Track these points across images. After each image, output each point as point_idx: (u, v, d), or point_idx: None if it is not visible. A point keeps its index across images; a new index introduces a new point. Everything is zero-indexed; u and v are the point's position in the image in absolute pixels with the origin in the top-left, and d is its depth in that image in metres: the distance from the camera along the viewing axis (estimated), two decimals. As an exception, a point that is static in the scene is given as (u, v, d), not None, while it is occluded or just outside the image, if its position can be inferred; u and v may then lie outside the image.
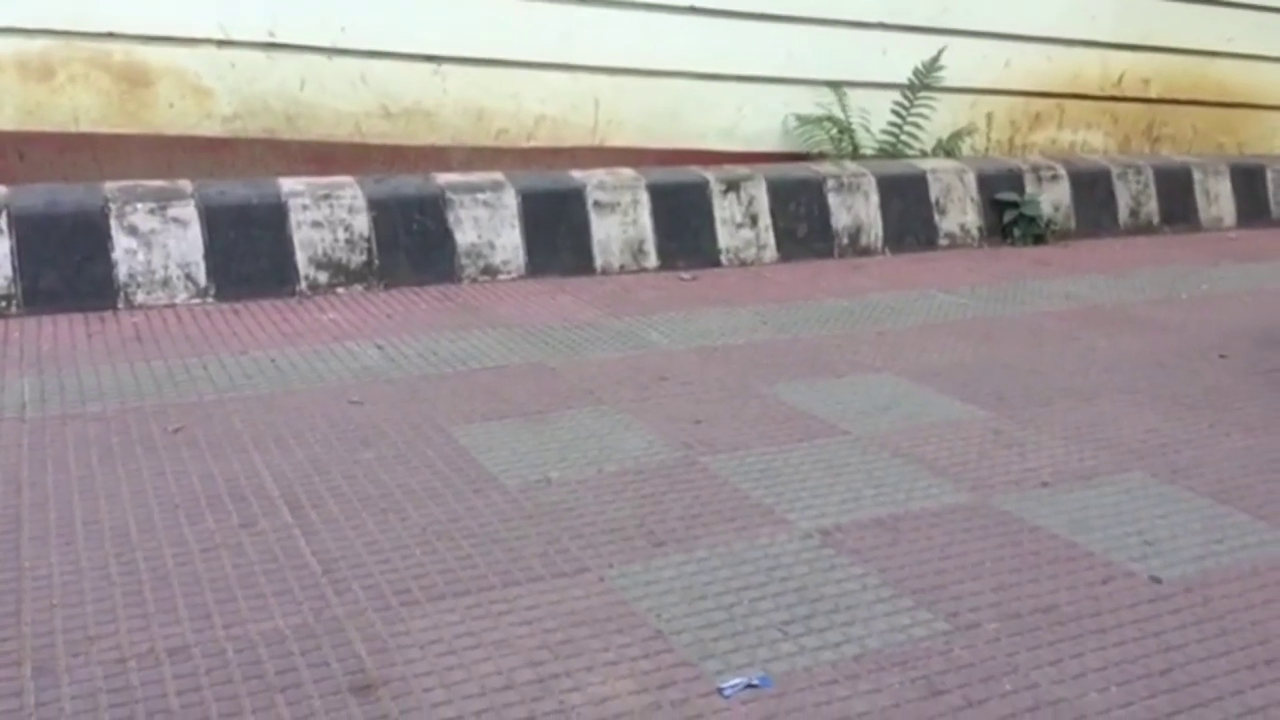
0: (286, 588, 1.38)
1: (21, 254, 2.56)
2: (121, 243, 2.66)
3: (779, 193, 3.38)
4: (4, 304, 2.55)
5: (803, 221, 3.41)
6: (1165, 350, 2.54)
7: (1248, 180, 4.25)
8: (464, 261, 2.99)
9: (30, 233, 2.58)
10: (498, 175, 3.15)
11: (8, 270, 2.54)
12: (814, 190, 3.43)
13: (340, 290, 2.84)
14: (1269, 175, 4.32)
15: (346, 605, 1.35)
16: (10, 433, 1.87)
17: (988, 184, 3.67)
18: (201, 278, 2.72)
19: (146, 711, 1.13)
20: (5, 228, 2.56)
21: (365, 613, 1.33)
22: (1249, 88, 4.78)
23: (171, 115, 3.35)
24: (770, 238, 3.36)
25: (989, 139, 4.22)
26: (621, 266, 3.16)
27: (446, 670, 1.22)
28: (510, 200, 3.06)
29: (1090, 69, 4.28)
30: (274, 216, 2.81)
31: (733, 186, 3.33)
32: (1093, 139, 4.43)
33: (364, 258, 2.88)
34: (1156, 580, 1.46)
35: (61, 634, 1.27)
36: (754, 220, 3.34)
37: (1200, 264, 3.54)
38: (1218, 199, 4.19)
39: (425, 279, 2.93)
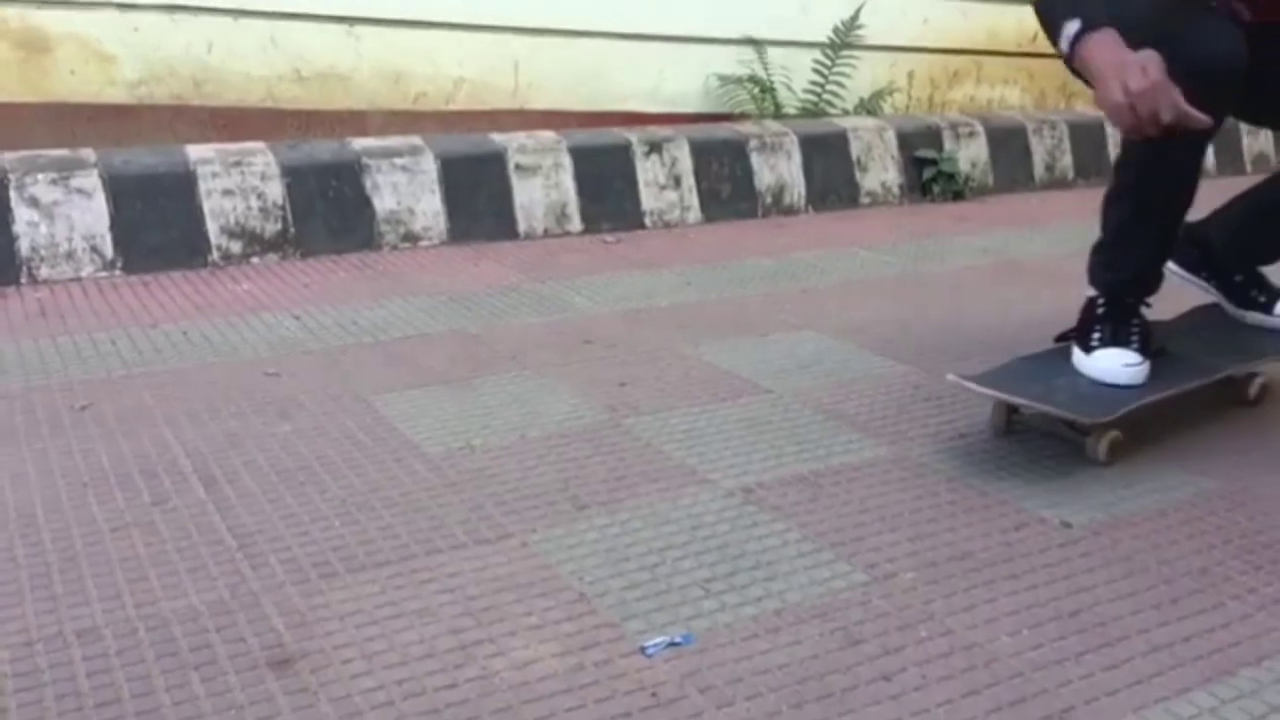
0: (201, 564, 1.35)
1: (-86, 229, 2.45)
2: (22, 215, 2.56)
3: (702, 154, 3.37)
4: (-103, 282, 2.44)
5: (726, 182, 3.40)
6: (1079, 301, 2.59)
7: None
8: (383, 229, 2.94)
9: (-78, 206, 2.47)
10: (416, 139, 3.09)
11: (-101, 246, 2.43)
12: (737, 150, 3.43)
13: (254, 260, 2.77)
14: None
15: (263, 580, 1.32)
16: (-94, 415, 1.80)
17: (908, 142, 3.70)
18: (108, 250, 2.64)
19: (55, 694, 1.11)
20: (-105, 202, 2.45)
21: (283, 587, 1.31)
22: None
23: (73, 83, 3.22)
24: (694, 199, 3.35)
25: (910, 97, 4.25)
26: (545, 230, 3.13)
27: (367, 641, 1.21)
28: (429, 165, 3.01)
29: (1006, 26, 4.32)
30: (183, 185, 2.73)
31: (655, 148, 3.31)
32: (1010, 95, 4.49)
33: (279, 226, 2.82)
34: (1067, 525, 1.50)
35: (-37, 620, 1.23)
36: (677, 182, 3.33)
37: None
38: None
39: (343, 247, 2.87)
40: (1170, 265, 1.94)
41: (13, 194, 2.56)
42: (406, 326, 2.31)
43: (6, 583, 1.30)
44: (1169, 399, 1.72)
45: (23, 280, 2.54)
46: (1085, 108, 4.56)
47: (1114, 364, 1.72)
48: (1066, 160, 4.06)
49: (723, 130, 3.50)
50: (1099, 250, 1.86)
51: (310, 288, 2.58)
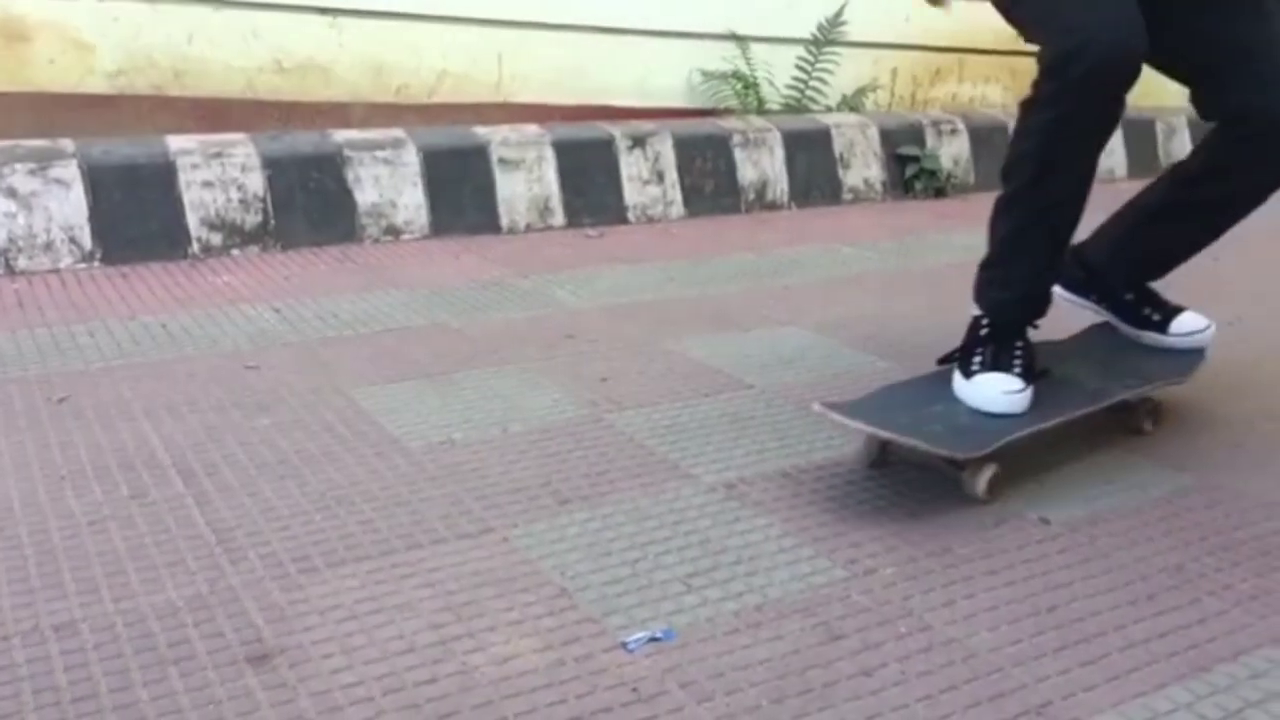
0: (179, 559, 1.34)
1: (-112, 218, 2.42)
2: (0, 206, 2.53)
3: (685, 149, 3.37)
4: None
5: (709, 177, 3.40)
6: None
7: (1138, 133, 4.38)
8: (365, 221, 2.92)
9: (-103, 196, 2.44)
10: (398, 132, 3.07)
11: (-127, 236, 2.40)
12: (720, 146, 3.43)
13: (235, 252, 2.75)
14: (1159, 128, 4.46)
15: (243, 574, 1.32)
16: (-120, 407, 1.78)
17: (890, 138, 3.71)
18: (86, 241, 2.61)
19: (33, 689, 1.10)
20: None
21: (262, 581, 1.30)
22: (1140, 43, 4.90)
23: (52, 72, 3.19)
24: (677, 194, 3.35)
25: (893, 94, 4.26)
26: (528, 225, 3.12)
27: (346, 636, 1.20)
28: (412, 158, 2.99)
29: (988, 24, 4.33)
30: (162, 176, 2.71)
31: (639, 142, 3.31)
32: (991, 93, 4.51)
33: (259, 218, 2.80)
34: (1045, 521, 1.51)
35: (-63, 615, 1.22)
36: (660, 176, 3.33)
37: (1094, 213, 3.62)
38: (1110, 151, 4.30)
39: (324, 239, 2.86)
40: (1056, 289, 1.82)
41: (-11, 184, 2.53)
42: (388, 320, 2.30)
43: (-18, 577, 1.29)
44: (1053, 429, 1.59)
45: (0, 271, 2.52)
46: (1067, 106, 4.57)
47: (994, 391, 1.59)
48: (1048, 158, 4.08)
49: (706, 125, 3.50)
50: (986, 266, 1.74)
51: (291, 280, 2.56)
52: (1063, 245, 1.71)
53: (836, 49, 3.94)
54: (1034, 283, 1.70)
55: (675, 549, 1.41)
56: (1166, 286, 1.90)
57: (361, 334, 2.21)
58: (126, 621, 1.21)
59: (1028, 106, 1.58)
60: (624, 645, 1.21)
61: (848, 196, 3.60)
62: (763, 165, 3.48)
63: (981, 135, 3.89)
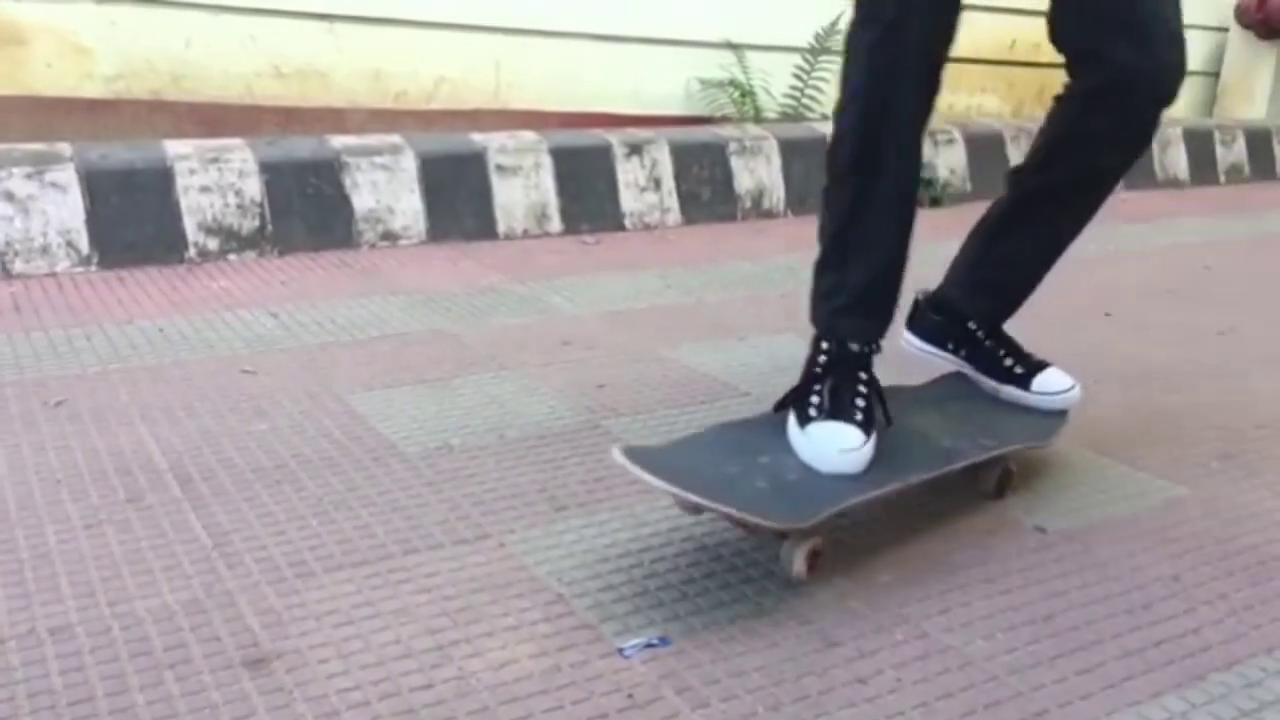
0: (175, 563, 1.34)
1: (-116, 221, 2.42)
2: (-5, 209, 2.53)
3: (682, 156, 3.38)
4: None
5: (706, 185, 3.41)
6: (1052, 308, 2.61)
7: None
8: (362, 227, 2.92)
9: (-107, 198, 2.43)
10: (396, 138, 3.08)
11: None
12: (717, 153, 3.43)
13: (232, 257, 2.75)
14: (1154, 139, 4.48)
15: (239, 579, 1.31)
16: (-125, 410, 1.78)
17: (887, 147, 3.72)
18: (84, 245, 2.61)
19: (28, 692, 1.09)
20: None
21: (259, 586, 1.30)
22: (1135, 54, 4.93)
23: (50, 76, 3.19)
24: (674, 201, 3.36)
25: (889, 103, 4.27)
26: (524, 231, 3.13)
27: (343, 641, 1.20)
28: (409, 164, 3.00)
29: (985, 34, 4.36)
30: (160, 181, 2.71)
31: (636, 150, 3.31)
32: (988, 103, 4.52)
33: (256, 223, 2.80)
34: (1041, 530, 1.51)
35: (-67, 618, 1.21)
36: (657, 184, 3.34)
37: (1088, 224, 3.65)
38: (1105, 162, 4.32)
39: (322, 245, 2.86)
40: (910, 338, 1.70)
41: (-14, 187, 2.53)
42: (385, 325, 2.30)
43: (-22, 580, 1.29)
44: (890, 495, 1.40)
45: (-4, 274, 2.52)
46: (1062, 116, 4.59)
47: (829, 448, 1.38)
48: (1043, 168, 4.09)
49: (703, 133, 3.51)
50: (819, 271, 1.52)
51: (288, 285, 2.56)
52: (906, 223, 1.48)
53: (833, 57, 3.96)
54: (874, 271, 1.47)
55: (671, 556, 1.41)
56: (1167, 292, 1.90)
57: (358, 339, 2.21)
58: (123, 625, 1.21)
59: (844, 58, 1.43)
60: (620, 652, 1.21)
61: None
62: (759, 173, 3.49)
63: (978, 145, 3.90)
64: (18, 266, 2.54)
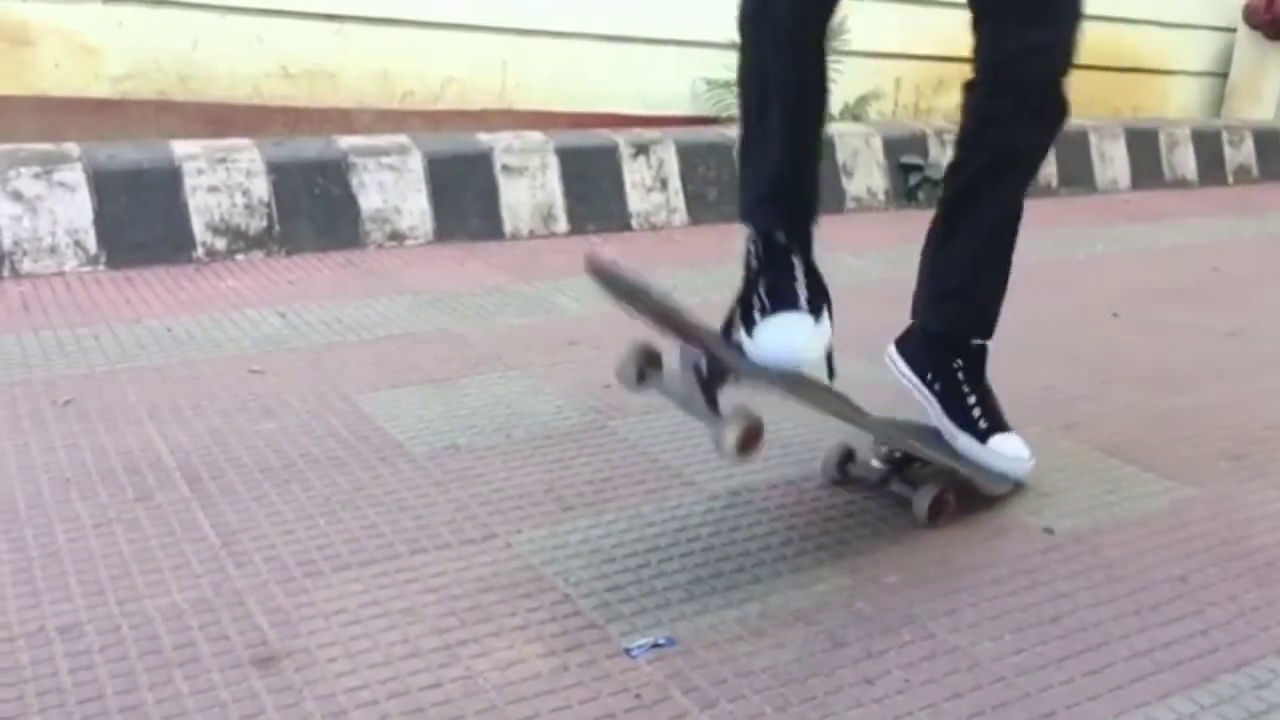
0: (184, 562, 1.35)
1: (-106, 221, 2.43)
2: (4, 208, 2.54)
3: (689, 156, 3.38)
4: (-124, 274, 2.42)
5: (713, 185, 3.41)
6: (1061, 308, 2.62)
7: (1142, 143, 4.39)
8: (369, 227, 2.93)
9: (-97, 198, 2.44)
10: (403, 138, 3.08)
11: (-121, 238, 2.41)
12: (723, 154, 3.43)
13: (239, 257, 2.76)
14: (1161, 138, 4.47)
15: (247, 578, 1.32)
16: (-115, 409, 1.78)
17: (893, 147, 3.72)
18: (91, 244, 2.62)
19: (37, 690, 1.10)
20: (-125, 193, 2.42)
21: (267, 585, 1.31)
22: (1144, 53, 4.93)
23: (57, 76, 3.20)
24: (680, 201, 3.36)
25: (896, 103, 4.27)
26: (530, 231, 3.13)
27: (351, 640, 1.20)
28: (416, 164, 3.00)
29: (992, 34, 4.35)
30: (167, 181, 2.71)
31: (642, 150, 3.32)
32: (995, 104, 4.51)
33: (264, 223, 2.80)
34: (1049, 531, 1.51)
35: (-57, 616, 1.22)
36: (664, 184, 3.34)
37: (1096, 225, 3.65)
38: (1113, 162, 4.32)
39: (329, 245, 2.86)
40: (894, 356, 1.66)
41: (-5, 187, 2.54)
42: (391, 325, 2.30)
43: (-13, 578, 1.29)
44: (835, 410, 1.44)
45: (4, 274, 2.52)
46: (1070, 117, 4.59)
47: (778, 339, 1.36)
48: (1050, 169, 4.09)
49: (709, 133, 3.51)
50: (742, 173, 1.50)
51: (295, 285, 2.57)
52: (804, 132, 1.46)
53: (839, 58, 3.95)
54: (782, 159, 1.45)
55: (677, 556, 1.41)
56: (1175, 293, 1.90)
57: (365, 339, 2.21)
58: (132, 624, 1.21)
59: None
60: (627, 651, 1.21)
61: (851, 205, 3.60)
62: (766, 174, 3.48)
63: (984, 145, 3.89)
64: (26, 266, 2.55)
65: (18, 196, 2.55)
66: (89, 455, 1.63)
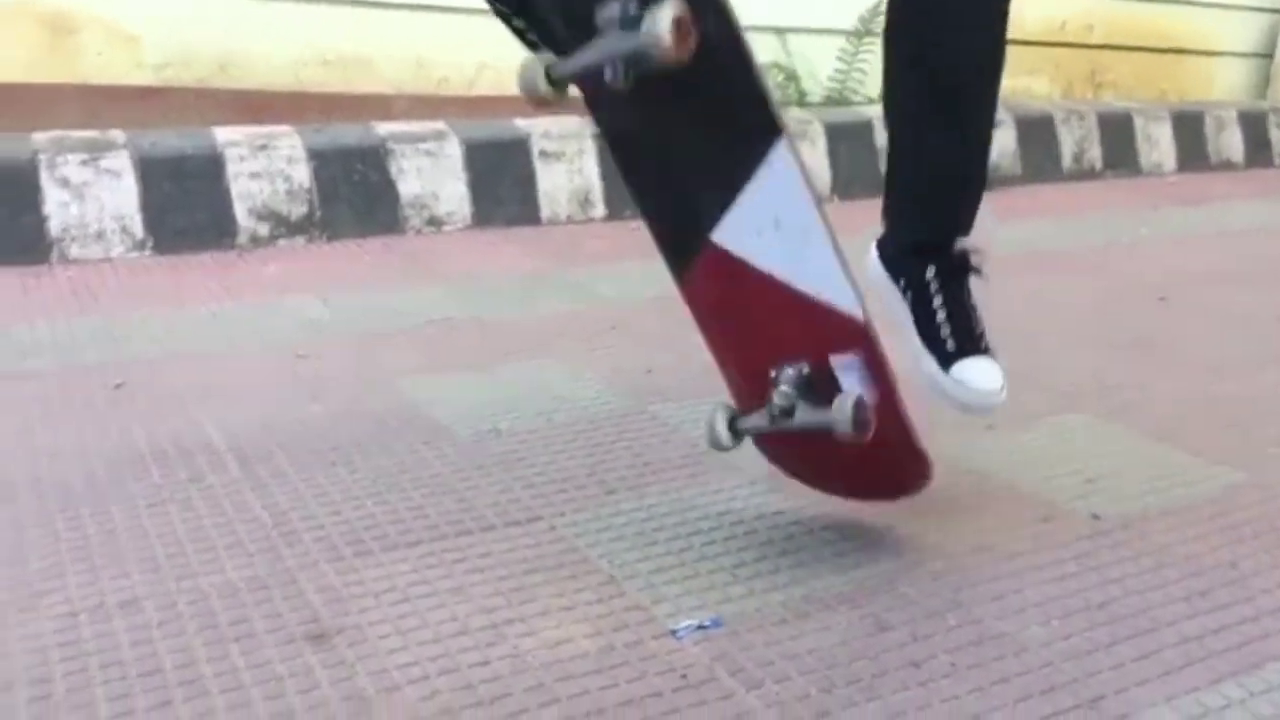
0: (237, 541, 1.37)
1: (-53, 208, 2.48)
2: (53, 195, 2.58)
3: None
4: (-69, 260, 2.47)
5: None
6: (1107, 293, 2.59)
7: (1187, 126, 4.33)
8: (408, 212, 2.95)
9: (-44, 185, 2.49)
10: (440, 124, 3.10)
11: (-67, 225, 2.46)
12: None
13: (281, 242, 2.79)
14: (1208, 121, 4.40)
15: (298, 557, 1.34)
16: (-57, 391, 1.82)
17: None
18: (138, 230, 2.66)
19: (100, 663, 1.12)
20: (-71, 180, 2.47)
21: (318, 564, 1.33)
22: (1189, 34, 4.85)
23: (99, 64, 3.24)
24: (718, 186, 3.35)
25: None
26: (568, 216, 3.14)
27: (400, 618, 1.22)
28: (454, 150, 3.01)
29: (1034, 15, 4.30)
30: (210, 168, 2.75)
31: (680, 135, 3.31)
32: (1036, 85, 4.46)
33: (305, 209, 2.83)
34: (1096, 517, 1.50)
35: (7, 590, 1.25)
36: (701, 169, 3.33)
37: (1141, 209, 3.60)
38: (1158, 144, 4.26)
39: (368, 230, 2.89)
40: (873, 257, 1.51)
41: (44, 174, 2.58)
42: (432, 311, 2.32)
43: (48, 555, 1.32)
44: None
45: (54, 260, 2.57)
46: (1113, 99, 4.54)
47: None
48: (1095, 151, 4.04)
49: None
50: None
51: (336, 271, 2.59)
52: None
53: (877, 39, 3.92)
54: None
55: (721, 539, 1.41)
56: (1223, 276, 1.88)
57: (407, 325, 2.23)
58: (188, 600, 1.24)
59: None
60: (673, 633, 1.22)
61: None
62: (805, 157, 3.47)
63: (1027, 127, 3.85)
64: (74, 252, 2.59)
65: (65, 183, 2.60)
66: (142, 438, 1.66)
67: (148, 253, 2.65)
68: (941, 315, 1.43)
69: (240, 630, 1.18)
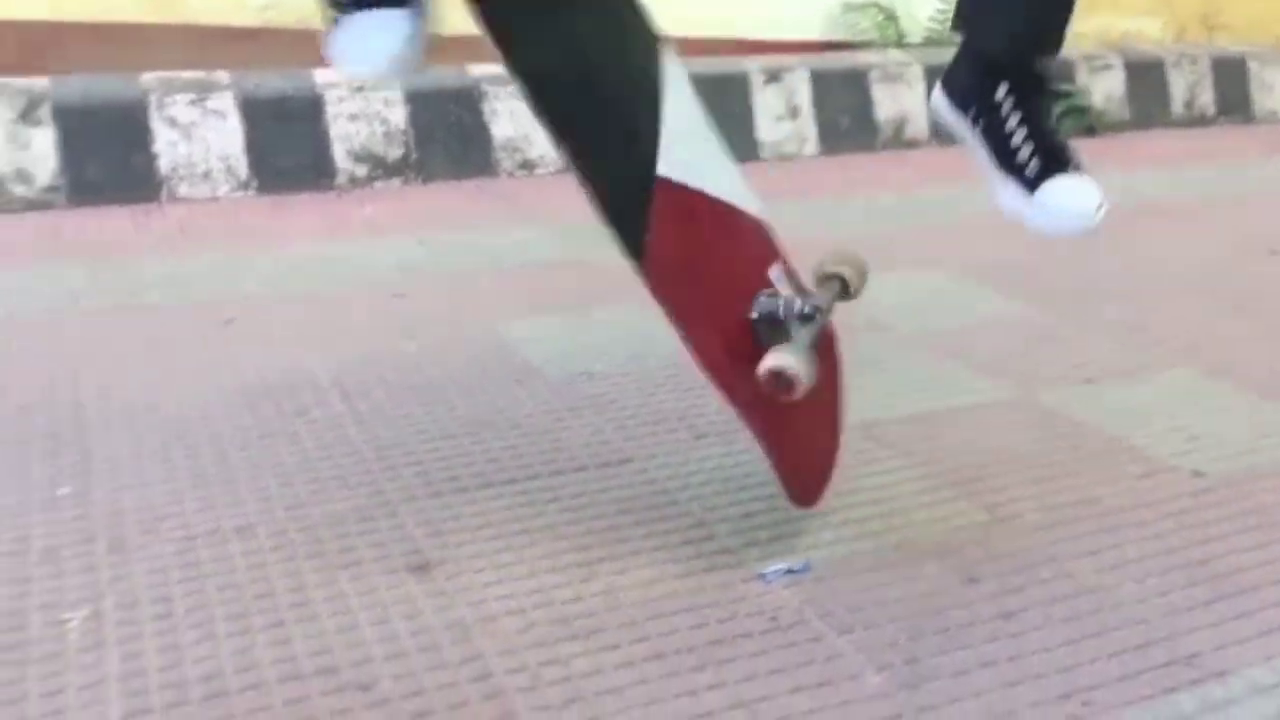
0: (341, 473, 1.42)
1: (66, 146, 2.58)
2: (162, 134, 2.67)
3: (821, 84, 3.31)
4: (52, 195, 2.58)
5: (845, 113, 3.34)
6: (1216, 245, 2.50)
7: (1228, 71, 4.10)
8: (500, 155, 2.97)
9: (73, 124, 2.59)
10: (535, 66, 3.10)
11: (53, 162, 2.56)
12: (857, 81, 3.35)
13: (378, 184, 2.84)
14: (1250, 65, 4.17)
15: (400, 490, 1.39)
16: (65, 324, 1.92)
17: (1037, 74, 3.56)
18: (242, 170, 2.73)
19: (216, 585, 1.19)
20: (49, 119, 2.57)
21: (417, 498, 1.37)
22: (1315, -28, 4.57)
23: (205, 5, 3.31)
24: (812, 130, 3.30)
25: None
26: (660, 160, 3.12)
27: (496, 553, 1.26)
28: (548, 92, 3.02)
29: (1149, -48, 4.11)
30: (310, 109, 2.80)
31: (774, 77, 3.26)
32: (1148, 27, 4.27)
33: (401, 151, 2.88)
34: (1199, 474, 1.46)
35: (131, 513, 1.32)
36: (795, 112, 3.29)
37: (1254, 157, 3.44)
38: (1273, 90, 4.05)
39: (463, 173, 2.92)
40: (938, 96, 1.38)
41: (153, 113, 2.67)
42: (524, 253, 2.35)
43: (167, 481, 1.39)
44: None
45: (163, 198, 2.66)
46: (1227, 42, 4.32)
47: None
48: (1207, 97, 3.87)
49: (843, 59, 3.43)
50: None
51: (432, 212, 2.64)
52: None
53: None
54: None
55: (812, 486, 1.42)
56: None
57: (500, 266, 2.26)
58: (298, 528, 1.29)
59: None
60: (762, 576, 1.23)
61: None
62: (902, 100, 3.39)
63: (1137, 71, 3.70)
64: (183, 190, 2.68)
65: (173, 123, 2.68)
66: (251, 373, 1.73)
67: (251, 192, 2.73)
68: (1020, 136, 1.30)
69: (348, 559, 1.24)
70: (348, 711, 1.00)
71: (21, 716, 0.98)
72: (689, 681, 1.05)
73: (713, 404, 1.64)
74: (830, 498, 1.39)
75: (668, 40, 1.17)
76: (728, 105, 3.19)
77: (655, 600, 1.18)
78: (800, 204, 2.76)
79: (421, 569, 1.22)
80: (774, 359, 1.12)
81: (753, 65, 3.26)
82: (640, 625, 1.14)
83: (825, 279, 1.29)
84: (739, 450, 1.51)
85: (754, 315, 1.22)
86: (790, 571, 1.24)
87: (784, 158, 3.24)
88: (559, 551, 1.27)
